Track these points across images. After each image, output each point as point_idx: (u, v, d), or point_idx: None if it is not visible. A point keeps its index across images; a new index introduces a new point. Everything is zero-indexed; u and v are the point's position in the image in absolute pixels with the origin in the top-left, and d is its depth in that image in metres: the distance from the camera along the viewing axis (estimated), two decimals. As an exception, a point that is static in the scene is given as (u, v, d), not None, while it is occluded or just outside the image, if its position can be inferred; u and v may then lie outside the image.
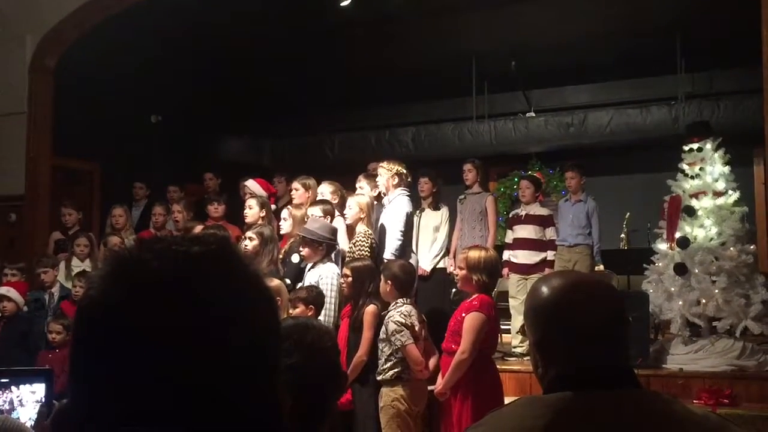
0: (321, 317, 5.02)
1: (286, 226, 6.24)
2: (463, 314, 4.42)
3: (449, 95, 10.53)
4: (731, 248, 6.09)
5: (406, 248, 6.16)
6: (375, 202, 6.38)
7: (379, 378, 4.81)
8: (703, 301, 6.04)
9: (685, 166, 6.47)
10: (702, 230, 6.21)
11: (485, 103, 10.31)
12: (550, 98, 10.32)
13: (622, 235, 9.42)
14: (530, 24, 9.02)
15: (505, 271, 6.97)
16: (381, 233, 6.13)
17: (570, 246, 7.48)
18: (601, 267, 7.79)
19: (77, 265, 7.04)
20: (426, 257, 6.99)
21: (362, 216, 5.94)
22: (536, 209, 7.27)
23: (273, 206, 7.16)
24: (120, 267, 0.79)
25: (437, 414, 5.35)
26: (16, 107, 8.19)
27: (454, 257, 7.16)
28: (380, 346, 4.83)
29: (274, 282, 4.93)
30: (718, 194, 6.30)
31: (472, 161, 7.54)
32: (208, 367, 0.74)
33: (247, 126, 10.89)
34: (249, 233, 5.81)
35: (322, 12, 8.77)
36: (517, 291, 7.05)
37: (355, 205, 5.99)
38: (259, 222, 6.17)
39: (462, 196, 7.52)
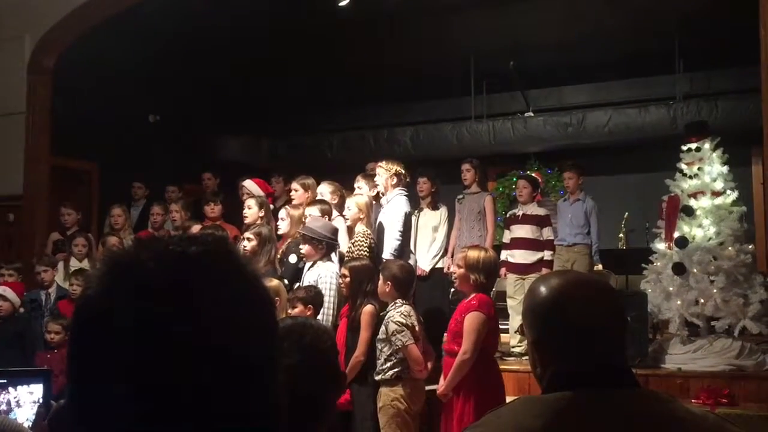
0: (320, 317, 5.02)
1: (283, 226, 6.23)
2: (463, 315, 4.42)
3: (448, 95, 10.53)
4: (729, 248, 6.09)
5: (404, 248, 6.16)
6: (373, 202, 6.38)
7: (377, 378, 4.81)
8: (702, 300, 6.04)
9: (683, 166, 6.47)
10: (700, 230, 6.22)
11: (484, 103, 10.31)
12: (549, 98, 10.32)
13: (621, 235, 9.42)
14: (529, 24, 9.02)
15: (503, 271, 6.96)
16: (379, 233, 6.13)
17: (568, 246, 7.49)
18: (600, 267, 7.80)
19: (75, 266, 7.03)
20: (425, 257, 6.99)
21: (361, 216, 5.95)
22: (533, 209, 7.28)
23: (271, 206, 7.16)
24: (117, 267, 0.78)
25: (436, 413, 5.35)
26: (15, 107, 8.19)
27: (453, 257, 7.17)
28: (379, 346, 4.83)
29: (273, 282, 4.93)
30: (716, 194, 6.30)
31: (471, 161, 7.55)
32: (206, 367, 0.74)
33: (245, 126, 10.89)
34: (247, 233, 5.81)
35: (321, 12, 8.77)
36: (514, 291, 7.05)
37: (354, 205, 5.99)
38: (258, 222, 6.17)
39: (460, 196, 7.53)
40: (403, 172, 6.41)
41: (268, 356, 0.81)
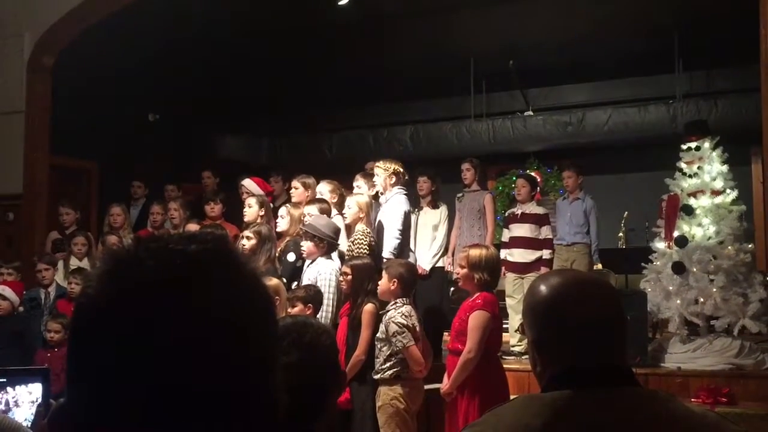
0: (319, 315, 5.02)
1: (283, 225, 6.24)
2: (467, 314, 4.42)
3: (447, 94, 10.54)
4: (729, 247, 6.09)
5: (404, 247, 6.16)
6: (373, 202, 6.38)
7: (376, 377, 4.81)
8: (701, 299, 6.04)
9: (683, 165, 6.47)
10: (700, 229, 6.21)
11: (483, 102, 10.31)
12: (548, 97, 10.32)
13: (620, 234, 9.43)
14: (528, 23, 9.02)
15: (502, 270, 6.97)
16: (379, 232, 6.12)
17: (568, 245, 7.50)
18: (599, 266, 7.80)
19: (75, 265, 7.03)
20: (425, 256, 6.99)
21: (361, 215, 5.94)
22: (532, 208, 7.28)
23: (270, 205, 7.16)
24: (117, 266, 0.78)
25: (435, 413, 5.36)
26: (14, 106, 8.18)
27: (453, 256, 7.17)
28: (378, 345, 4.83)
29: (273, 281, 4.93)
30: (716, 193, 6.30)
31: (470, 160, 7.55)
32: (206, 366, 0.74)
33: (245, 125, 10.89)
34: (246, 232, 5.82)
35: (320, 11, 8.77)
36: (513, 290, 7.05)
37: (354, 204, 5.99)
38: (258, 221, 6.17)
39: (460, 195, 7.54)
40: (402, 171, 6.40)
41: (267, 355, 0.81)
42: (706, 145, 6.41)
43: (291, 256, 5.86)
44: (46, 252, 7.24)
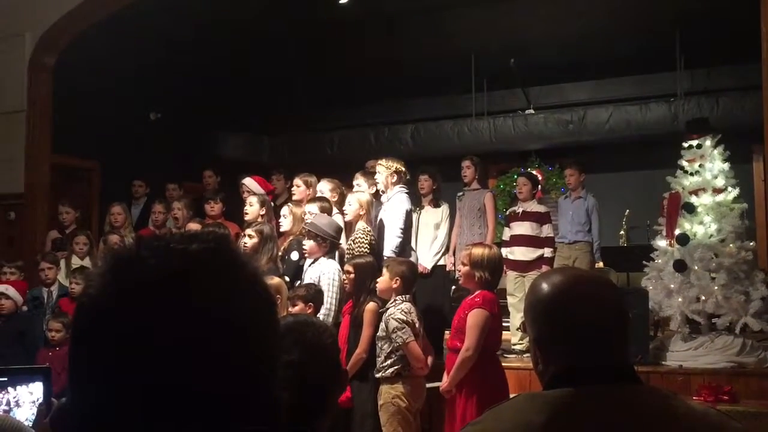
0: (321, 314, 5.02)
1: (286, 224, 6.24)
2: (466, 312, 4.42)
3: (448, 92, 10.53)
4: (731, 245, 6.09)
5: (405, 246, 6.16)
6: (374, 200, 6.37)
7: (378, 375, 4.81)
8: (703, 297, 6.04)
9: (684, 163, 6.47)
10: (701, 227, 6.21)
11: (484, 101, 10.30)
12: (550, 95, 10.31)
13: (622, 232, 9.42)
14: (529, 21, 9.02)
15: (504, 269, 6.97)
16: (380, 231, 6.12)
17: (570, 243, 7.50)
18: (601, 264, 7.80)
19: (76, 264, 7.03)
20: (426, 255, 6.99)
21: (362, 213, 5.94)
22: (533, 206, 7.28)
23: (272, 204, 7.15)
24: (118, 265, 0.78)
25: (437, 411, 5.36)
26: (15, 105, 8.18)
27: (454, 254, 7.17)
28: (379, 343, 4.83)
29: (274, 280, 4.93)
30: (717, 191, 6.30)
31: (471, 158, 7.55)
32: (207, 365, 0.74)
33: (246, 123, 10.88)
34: (248, 231, 5.81)
35: (321, 10, 8.77)
36: (514, 288, 7.06)
37: (355, 201, 5.98)
38: (259, 220, 6.17)
39: (461, 193, 7.53)
40: (403, 169, 6.40)
41: (268, 355, 0.81)
42: (708, 143, 6.41)
43: (294, 255, 5.86)
44: (48, 251, 7.24)
